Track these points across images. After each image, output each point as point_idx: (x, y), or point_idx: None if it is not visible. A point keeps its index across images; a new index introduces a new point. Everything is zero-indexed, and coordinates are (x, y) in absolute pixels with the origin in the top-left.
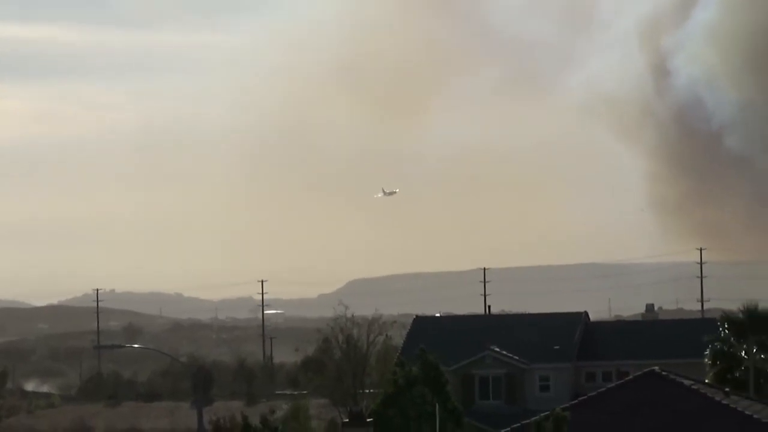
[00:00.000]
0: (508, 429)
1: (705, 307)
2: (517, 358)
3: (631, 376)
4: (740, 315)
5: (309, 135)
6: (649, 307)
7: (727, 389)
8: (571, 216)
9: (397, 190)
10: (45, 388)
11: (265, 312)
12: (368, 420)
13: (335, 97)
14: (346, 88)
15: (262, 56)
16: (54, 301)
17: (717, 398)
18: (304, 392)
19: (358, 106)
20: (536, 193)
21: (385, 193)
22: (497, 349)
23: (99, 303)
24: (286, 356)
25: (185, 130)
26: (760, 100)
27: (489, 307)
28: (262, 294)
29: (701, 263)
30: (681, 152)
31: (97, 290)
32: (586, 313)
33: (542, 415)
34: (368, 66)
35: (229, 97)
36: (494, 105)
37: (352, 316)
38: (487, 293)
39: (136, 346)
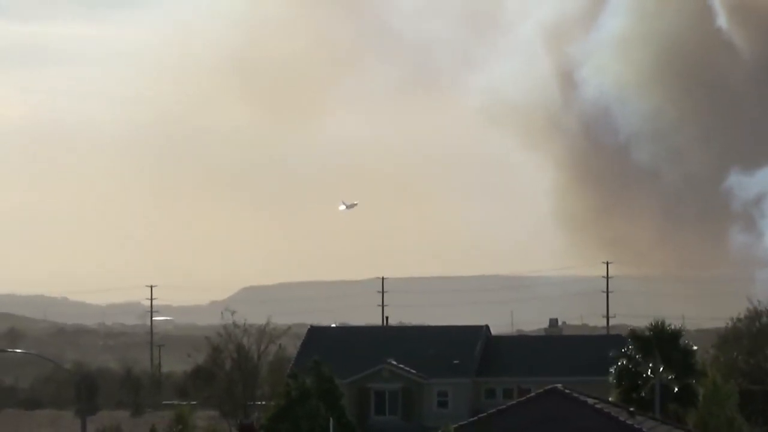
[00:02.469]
0: None
1: (610, 323)
2: (414, 372)
3: (532, 394)
4: (647, 332)
5: (202, 136)
6: (553, 322)
7: (632, 409)
8: (473, 226)
9: (357, 203)
10: None
11: (153, 318)
12: None
13: (229, 96)
14: (239, 88)
15: (155, 52)
16: None
17: (621, 418)
18: (193, 403)
19: (252, 106)
20: (437, 201)
21: (346, 205)
22: (394, 363)
23: None
24: (175, 365)
25: (73, 126)
26: (667, 112)
27: (386, 318)
28: (151, 299)
29: (607, 277)
30: (588, 164)
31: None
32: (487, 327)
33: None
34: (261, 67)
35: (119, 93)
36: (393, 108)
37: (244, 324)
38: (384, 304)
39: (18, 351)
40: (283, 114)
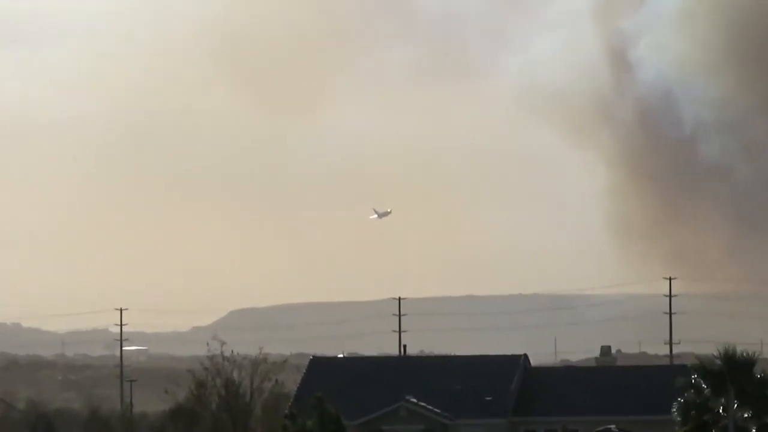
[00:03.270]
0: None
1: (674, 350)
2: (438, 411)
3: None
4: (717, 361)
5: (181, 128)
6: (605, 350)
7: None
8: (509, 235)
9: (390, 210)
10: None
11: (124, 348)
12: None
13: (212, 82)
14: (226, 71)
15: (123, 26)
16: None
17: None
18: None
19: (243, 94)
20: (465, 206)
21: (378, 214)
22: (414, 400)
23: None
24: (150, 404)
25: (22, 118)
26: (740, 97)
27: (404, 346)
28: (121, 325)
29: (670, 296)
30: (646, 161)
31: None
32: (525, 356)
33: None
34: (253, 44)
35: (80, 75)
36: (413, 96)
37: (233, 354)
38: (402, 329)
39: None
40: (281, 104)
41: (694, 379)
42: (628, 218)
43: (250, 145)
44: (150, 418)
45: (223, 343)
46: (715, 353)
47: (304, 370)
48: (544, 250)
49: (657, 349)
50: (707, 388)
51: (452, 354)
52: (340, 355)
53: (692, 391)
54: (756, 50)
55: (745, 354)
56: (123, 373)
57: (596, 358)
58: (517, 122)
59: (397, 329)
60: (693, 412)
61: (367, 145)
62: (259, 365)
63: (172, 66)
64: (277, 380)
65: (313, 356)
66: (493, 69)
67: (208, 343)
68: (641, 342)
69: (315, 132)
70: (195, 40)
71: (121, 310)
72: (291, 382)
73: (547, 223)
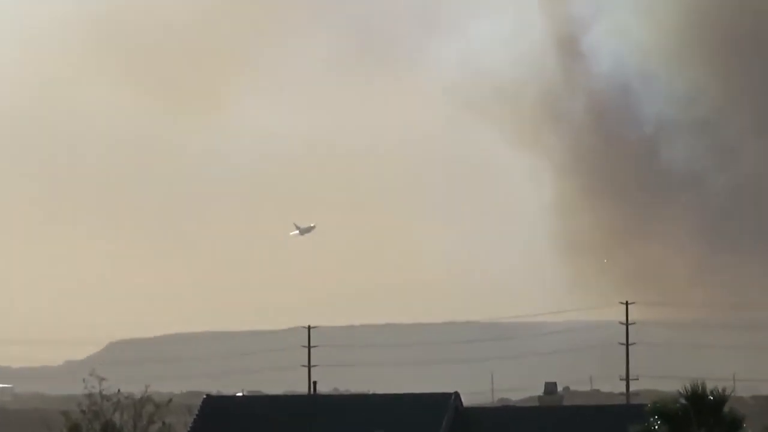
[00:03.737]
0: None
1: (632, 388)
2: None
3: None
4: (681, 400)
5: (58, 129)
6: (550, 387)
7: None
8: (439, 253)
9: (314, 225)
10: None
11: None
12: None
13: (96, 76)
14: (112, 63)
15: None
16: None
17: None
18: None
19: (131, 89)
20: (389, 219)
21: (300, 229)
22: None
23: None
24: None
25: None
26: (711, 93)
27: (315, 383)
28: None
29: (627, 324)
30: (600, 167)
31: None
32: (457, 395)
33: None
34: (147, 33)
35: None
36: (331, 91)
37: (118, 392)
38: (312, 363)
39: None
40: (175, 100)
41: (655, 423)
42: (579, 234)
43: (137, 149)
44: None
45: (101, 380)
46: (680, 390)
47: (196, 412)
48: (480, 271)
49: (612, 385)
50: None
51: (370, 392)
52: (239, 394)
53: None
54: (729, 35)
55: (715, 392)
56: None
57: (540, 397)
58: (452, 121)
59: (307, 363)
60: None
61: (276, 148)
62: (143, 405)
63: (50, 59)
64: (164, 423)
65: (207, 395)
66: (424, 59)
67: (84, 380)
68: (593, 378)
69: (218, 133)
70: (77, 30)
71: None
72: (180, 425)
73: (485, 239)
